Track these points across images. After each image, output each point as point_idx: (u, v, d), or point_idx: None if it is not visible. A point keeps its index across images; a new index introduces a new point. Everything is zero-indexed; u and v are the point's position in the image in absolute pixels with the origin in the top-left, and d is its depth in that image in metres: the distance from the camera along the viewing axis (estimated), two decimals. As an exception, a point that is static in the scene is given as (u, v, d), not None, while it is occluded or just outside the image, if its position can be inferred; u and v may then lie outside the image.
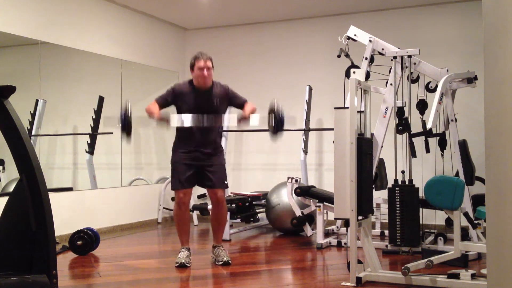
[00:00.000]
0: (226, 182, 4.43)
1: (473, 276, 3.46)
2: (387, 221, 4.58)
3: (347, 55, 5.26)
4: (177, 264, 4.20)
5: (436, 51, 6.17)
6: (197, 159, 4.28)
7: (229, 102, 4.37)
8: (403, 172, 4.68)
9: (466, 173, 4.84)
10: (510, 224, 1.69)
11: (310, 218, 5.56)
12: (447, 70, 4.96)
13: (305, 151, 6.52)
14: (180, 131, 4.33)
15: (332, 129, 3.86)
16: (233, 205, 5.60)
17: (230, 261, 4.32)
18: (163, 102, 4.25)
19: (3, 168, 5.38)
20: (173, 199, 6.90)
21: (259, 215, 6.29)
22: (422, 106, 4.96)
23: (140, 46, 6.92)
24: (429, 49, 5.94)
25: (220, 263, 4.32)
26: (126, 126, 3.98)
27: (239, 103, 4.35)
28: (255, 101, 7.54)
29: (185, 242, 4.36)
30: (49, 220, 2.35)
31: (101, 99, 6.19)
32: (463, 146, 4.91)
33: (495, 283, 1.78)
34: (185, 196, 4.29)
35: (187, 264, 4.21)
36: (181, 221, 4.36)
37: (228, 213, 5.45)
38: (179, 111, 4.28)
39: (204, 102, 4.24)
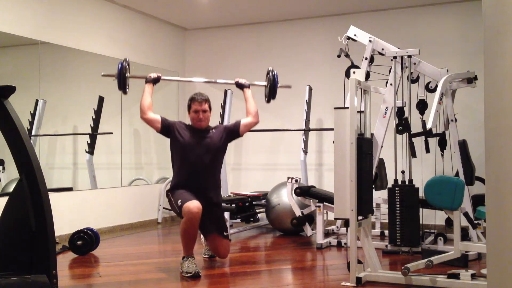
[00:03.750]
0: (226, 234, 4.31)
1: (473, 276, 3.46)
2: (387, 221, 4.59)
3: (347, 55, 5.26)
4: (190, 274, 3.86)
5: (436, 51, 6.18)
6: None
7: (229, 135, 4.30)
8: (403, 172, 4.68)
9: (466, 173, 4.84)
10: (510, 224, 1.69)
11: (310, 218, 5.56)
12: (447, 70, 4.96)
13: (305, 151, 6.52)
14: (179, 174, 4.18)
15: (332, 129, 3.86)
16: (233, 205, 5.60)
17: None
18: (163, 118, 4.19)
19: (3, 168, 5.38)
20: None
21: (259, 215, 6.29)
22: (422, 106, 4.96)
23: (140, 46, 6.92)
24: (429, 49, 5.95)
25: (211, 255, 4.53)
26: (122, 84, 4.21)
27: (236, 125, 4.30)
28: (257, 97, 7.56)
29: (190, 251, 4.01)
30: (49, 220, 2.35)
31: (101, 99, 6.19)
32: (463, 146, 4.91)
33: (495, 283, 1.78)
34: (199, 212, 3.88)
35: (201, 274, 3.93)
36: (191, 236, 3.96)
37: (228, 213, 5.47)
38: (174, 146, 4.21)
39: (199, 141, 4.17)
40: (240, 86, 4.41)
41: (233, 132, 4.30)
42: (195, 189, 4.11)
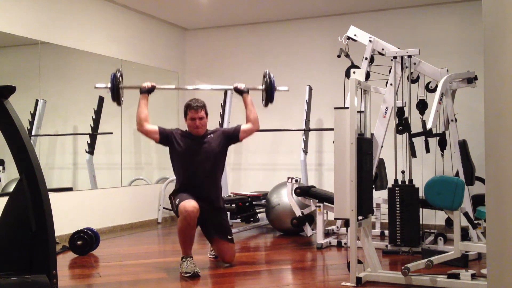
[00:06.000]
0: (231, 237, 4.27)
1: (473, 276, 3.46)
2: (387, 221, 4.59)
3: (347, 55, 5.27)
4: (189, 274, 3.87)
5: (436, 51, 6.18)
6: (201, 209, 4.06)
7: (227, 140, 4.28)
8: (403, 172, 4.68)
9: (466, 173, 4.84)
10: (510, 224, 1.69)
11: (310, 218, 5.56)
12: (447, 70, 4.96)
13: (305, 151, 6.52)
14: (181, 181, 4.19)
15: (332, 129, 3.86)
16: (233, 205, 5.60)
17: None
18: (160, 128, 4.18)
19: (3, 168, 5.38)
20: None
21: (259, 215, 6.29)
22: (422, 106, 4.96)
23: (140, 46, 6.92)
24: (429, 49, 5.95)
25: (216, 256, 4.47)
26: (116, 96, 4.10)
27: (236, 130, 4.28)
28: (255, 100, 7.55)
29: (188, 251, 4.03)
30: (49, 220, 2.35)
31: (101, 99, 6.19)
32: (463, 146, 4.91)
33: (495, 283, 1.78)
34: (194, 211, 3.90)
35: (200, 273, 3.92)
36: (187, 235, 3.98)
37: (228, 213, 5.47)
38: (174, 155, 4.21)
39: (198, 148, 4.16)
40: (239, 92, 4.34)
41: (232, 137, 4.29)
42: (197, 194, 4.10)
